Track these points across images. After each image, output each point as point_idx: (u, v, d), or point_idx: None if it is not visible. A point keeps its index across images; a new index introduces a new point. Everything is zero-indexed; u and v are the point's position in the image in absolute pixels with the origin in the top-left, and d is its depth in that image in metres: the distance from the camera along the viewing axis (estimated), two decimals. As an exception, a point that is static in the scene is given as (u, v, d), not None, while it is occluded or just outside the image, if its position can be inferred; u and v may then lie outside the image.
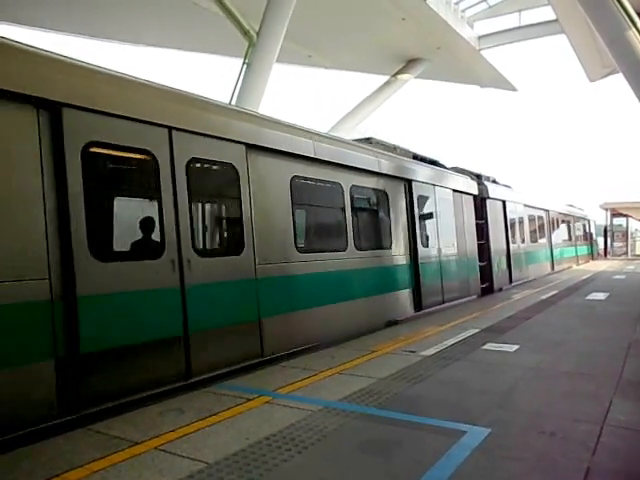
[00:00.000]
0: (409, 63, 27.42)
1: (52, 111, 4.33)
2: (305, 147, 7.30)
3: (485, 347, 6.53)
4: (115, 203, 5.31)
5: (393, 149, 10.67)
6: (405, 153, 11.06)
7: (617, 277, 17.49)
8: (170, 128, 5.28)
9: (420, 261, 10.00)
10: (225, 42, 20.80)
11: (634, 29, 15.53)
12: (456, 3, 24.18)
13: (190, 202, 5.47)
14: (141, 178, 5.43)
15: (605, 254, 35.39)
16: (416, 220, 10.04)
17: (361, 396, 4.61)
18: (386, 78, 28.17)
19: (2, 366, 3.85)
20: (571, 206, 28.51)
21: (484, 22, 26.79)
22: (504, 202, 15.77)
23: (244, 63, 16.21)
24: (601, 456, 3.26)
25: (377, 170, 9.06)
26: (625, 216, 35.30)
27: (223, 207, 6.61)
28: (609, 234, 35.75)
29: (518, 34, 26.93)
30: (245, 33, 16.72)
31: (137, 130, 4.99)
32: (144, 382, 4.78)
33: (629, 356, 5.80)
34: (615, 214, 35.18)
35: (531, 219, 19.19)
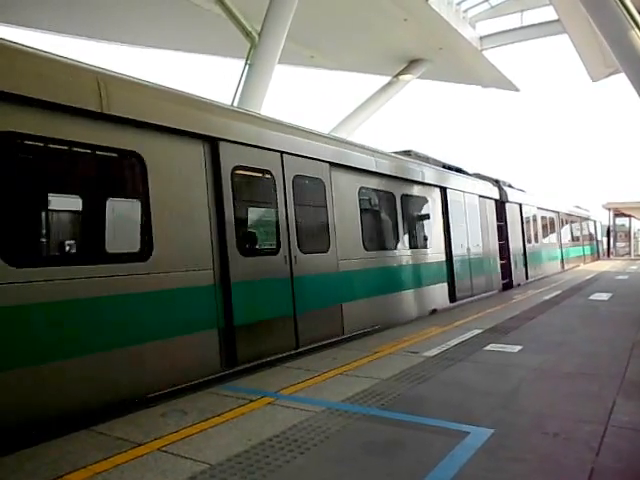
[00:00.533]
0: (411, 64, 27.38)
1: (212, 144, 5.84)
2: (368, 163, 8.89)
3: (488, 348, 6.52)
4: (249, 211, 6.94)
5: (427, 159, 11.98)
6: (436, 163, 12.39)
7: (620, 277, 17.45)
8: (282, 152, 6.83)
9: (454, 259, 11.49)
10: (227, 43, 20.78)
11: (636, 29, 15.49)
12: (458, 3, 24.14)
13: (295, 209, 6.98)
14: (265, 192, 6.95)
15: (608, 254, 35.34)
16: (450, 223, 11.51)
17: (364, 397, 4.60)
18: (388, 79, 28.15)
19: (188, 331, 5.42)
20: (578, 207, 28.90)
21: (486, 22, 26.75)
22: (520, 205, 17.05)
23: (246, 64, 16.22)
24: (605, 457, 3.24)
25: (420, 180, 10.64)
26: (628, 216, 35.22)
27: (316, 213, 7.85)
28: (612, 234, 35.69)
29: (520, 34, 26.87)
30: (247, 34, 16.73)
31: (262, 155, 6.55)
32: (272, 348, 6.31)
33: (632, 357, 5.78)
34: (618, 214, 35.11)
35: (544, 220, 20.49)
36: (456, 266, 11.52)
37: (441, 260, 11.13)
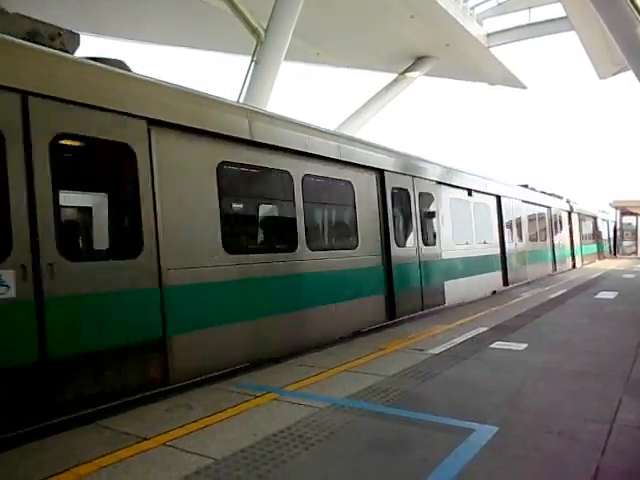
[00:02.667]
0: (417, 61, 27.31)
1: (381, 174, 9.19)
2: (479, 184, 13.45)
3: (493, 346, 6.50)
4: (399, 217, 9.73)
5: (532, 189, 18.98)
6: (533, 189, 19.30)
7: (626, 276, 17.36)
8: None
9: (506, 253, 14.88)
10: (233, 40, 20.81)
11: (645, 26, 15.39)
12: (465, 0, 24.04)
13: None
14: (403, 201, 9.81)
15: (615, 253, 35.16)
16: (504, 225, 14.95)
17: (368, 394, 4.61)
18: (394, 76, 28.08)
19: (368, 294, 8.56)
20: (568, 202, 29.08)
21: (493, 19, 26.63)
22: (569, 213, 23.59)
23: (252, 61, 16.23)
24: (610, 456, 3.23)
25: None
26: (635, 215, 35.01)
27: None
28: (618, 233, 35.50)
29: (527, 31, 26.74)
30: (253, 31, 16.75)
31: (403, 178, 9.81)
32: (412, 309, 9.57)
33: (638, 355, 5.74)
34: (625, 213, 34.91)
35: (582, 224, 26.34)
36: (509, 257, 15.01)
37: (497, 253, 14.43)
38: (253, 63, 16.17)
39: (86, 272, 4.55)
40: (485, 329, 7.65)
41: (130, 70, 5.40)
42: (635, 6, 15.67)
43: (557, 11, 23.92)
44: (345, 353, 6.30)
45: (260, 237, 7.18)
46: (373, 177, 8.96)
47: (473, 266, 12.55)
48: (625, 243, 35.56)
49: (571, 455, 3.27)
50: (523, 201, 16.92)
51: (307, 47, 23.90)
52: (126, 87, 5.09)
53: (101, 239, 5.35)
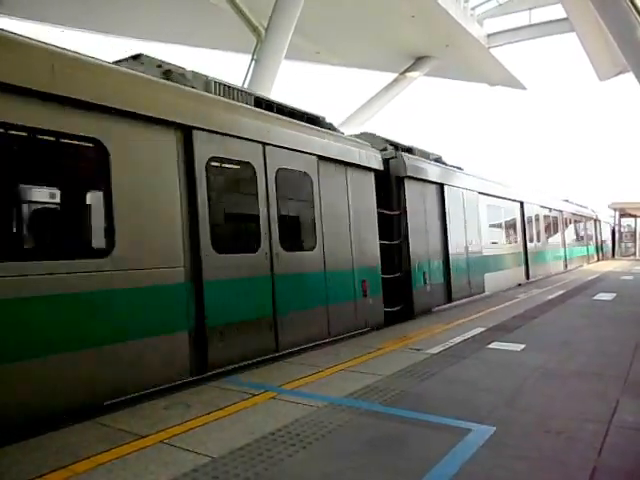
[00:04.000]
0: (417, 61, 27.31)
1: (441, 186, 11.06)
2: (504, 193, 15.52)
3: (491, 346, 6.51)
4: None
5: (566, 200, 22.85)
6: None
7: (625, 278, 17.38)
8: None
9: (528, 251, 17.06)
10: (233, 38, 20.79)
11: (646, 28, 15.40)
12: (466, 1, 24.04)
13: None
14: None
15: (613, 254, 35.20)
16: (526, 227, 17.02)
17: (366, 393, 4.61)
18: (394, 76, 28.08)
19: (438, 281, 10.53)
20: (593, 211, 29.77)
21: (494, 20, 26.63)
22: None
23: (252, 59, 16.22)
24: (607, 456, 3.23)
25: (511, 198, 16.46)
26: (633, 216, 35.06)
27: (466, 218, 12.08)
28: (617, 234, 35.55)
29: (528, 32, 26.75)
30: (254, 29, 16.74)
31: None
32: (461, 296, 11.28)
33: (636, 356, 5.75)
34: (623, 214, 34.96)
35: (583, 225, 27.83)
36: (530, 256, 17.03)
37: (521, 251, 16.55)
38: (253, 61, 16.17)
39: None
40: (483, 329, 7.65)
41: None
42: (635, 7, 15.68)
43: (558, 12, 23.94)
44: (343, 352, 6.30)
45: None
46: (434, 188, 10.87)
47: (507, 261, 15.26)
48: (623, 245, 35.65)
49: (569, 455, 3.28)
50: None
51: (307, 46, 23.89)
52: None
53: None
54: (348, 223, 7.89)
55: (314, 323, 6.98)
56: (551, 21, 25.74)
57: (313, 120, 7.79)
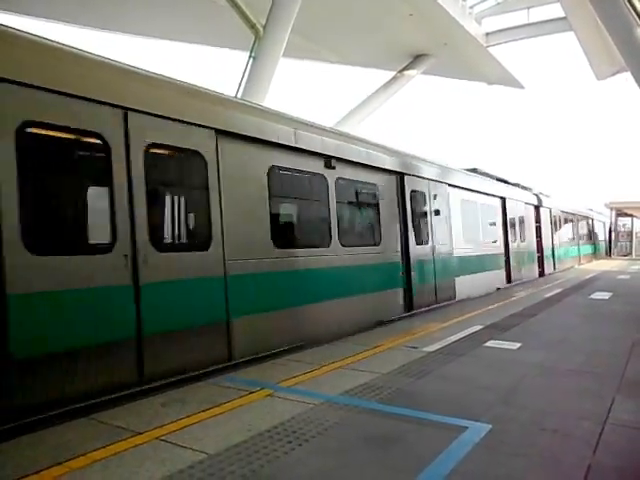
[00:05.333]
0: (415, 59, 27.24)
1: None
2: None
3: (488, 344, 6.52)
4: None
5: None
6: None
7: (621, 277, 17.43)
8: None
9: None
10: (231, 35, 20.71)
11: (643, 27, 15.43)
12: (464, -1, 24.00)
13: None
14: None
15: (610, 254, 35.31)
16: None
17: (363, 390, 4.62)
18: (392, 74, 28.03)
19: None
20: (591, 210, 29.82)
21: (492, 19, 26.59)
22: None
23: (250, 57, 16.17)
24: (602, 454, 3.25)
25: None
26: (630, 216, 35.15)
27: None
28: (613, 233, 35.66)
29: (526, 31, 26.71)
30: (252, 26, 16.67)
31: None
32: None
33: (632, 355, 5.78)
34: (620, 214, 35.05)
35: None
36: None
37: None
38: (251, 59, 16.12)
39: None
40: (480, 327, 7.67)
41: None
42: (633, 7, 15.71)
43: (556, 11, 23.93)
44: (340, 350, 6.31)
45: None
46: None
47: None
48: (620, 244, 35.78)
49: (564, 452, 3.29)
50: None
51: (305, 44, 23.81)
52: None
53: None
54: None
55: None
56: (549, 20, 25.71)
57: None
